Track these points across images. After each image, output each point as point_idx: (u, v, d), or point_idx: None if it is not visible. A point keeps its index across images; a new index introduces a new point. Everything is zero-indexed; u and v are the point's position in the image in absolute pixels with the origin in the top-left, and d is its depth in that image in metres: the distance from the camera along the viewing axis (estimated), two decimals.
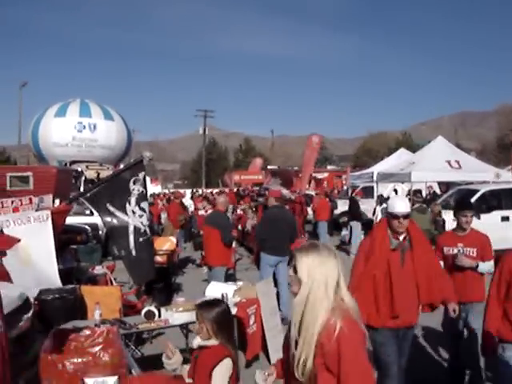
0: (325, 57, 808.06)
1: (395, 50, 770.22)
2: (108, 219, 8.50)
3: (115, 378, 3.77)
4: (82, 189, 24.31)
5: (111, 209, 8.36)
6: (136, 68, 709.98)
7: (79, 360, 4.32)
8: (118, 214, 8.38)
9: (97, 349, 4.49)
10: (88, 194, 8.88)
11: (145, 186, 8.88)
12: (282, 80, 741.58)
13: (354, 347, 2.89)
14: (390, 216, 5.38)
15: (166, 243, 13.64)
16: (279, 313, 8.74)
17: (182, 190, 44.65)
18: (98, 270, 10.07)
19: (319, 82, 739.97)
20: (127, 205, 8.44)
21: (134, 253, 8.73)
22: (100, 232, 18.05)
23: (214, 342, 3.87)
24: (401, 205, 5.35)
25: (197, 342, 3.97)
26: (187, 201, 28.39)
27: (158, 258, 12.80)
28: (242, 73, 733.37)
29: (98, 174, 26.33)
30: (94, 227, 17.66)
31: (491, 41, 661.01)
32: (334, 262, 3.08)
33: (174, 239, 14.49)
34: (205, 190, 42.83)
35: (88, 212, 18.12)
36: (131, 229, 8.46)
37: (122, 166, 32.32)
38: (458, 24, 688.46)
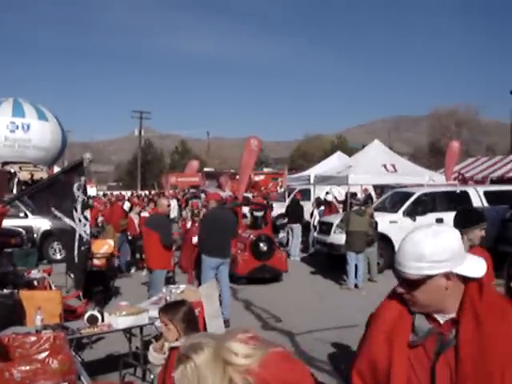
0: (261, 59, 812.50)
1: (331, 53, 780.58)
2: (54, 223, 8.33)
3: None
4: (15, 190, 23.71)
5: (58, 214, 8.18)
6: (71, 68, 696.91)
7: (27, 367, 4.20)
8: (65, 219, 8.21)
9: (44, 355, 4.38)
10: (27, 196, 8.68)
11: (86, 193, 8.75)
12: (217, 82, 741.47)
13: None
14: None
15: (103, 246, 13.46)
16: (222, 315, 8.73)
17: (116, 192, 44.24)
18: (35, 273, 9.83)
19: (255, 84, 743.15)
20: (74, 212, 8.29)
21: (76, 260, 8.61)
22: (35, 235, 17.64)
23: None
24: (406, 253, 2.28)
25: (166, 346, 3.92)
26: (125, 204, 27.94)
27: (96, 261, 12.63)
28: (177, 74, 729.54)
29: (32, 176, 25.74)
30: (29, 230, 17.23)
31: (425, 47, 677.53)
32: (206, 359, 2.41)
33: (111, 242, 14.30)
34: (146, 193, 42.34)
35: (22, 215, 17.68)
36: (77, 236, 8.31)
37: (55, 168, 31.79)
38: (392, 29, 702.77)
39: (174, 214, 24.25)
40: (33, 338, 4.52)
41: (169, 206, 11.45)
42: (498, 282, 13.11)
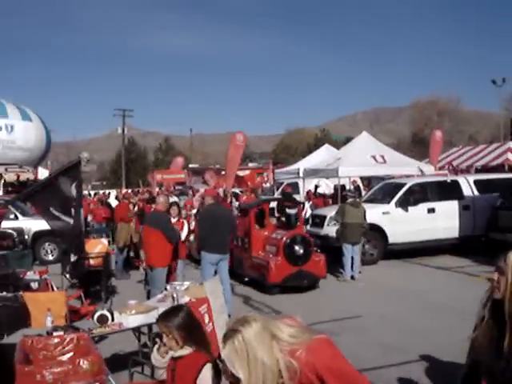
0: (241, 54, 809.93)
1: (310, 47, 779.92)
2: (54, 223, 8.34)
3: None
4: (0, 192, 23.53)
5: (55, 213, 8.17)
6: (51, 67, 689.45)
7: (58, 369, 4.17)
8: (64, 217, 8.21)
9: (69, 356, 4.36)
10: (23, 198, 8.68)
11: (81, 193, 8.78)
12: (197, 78, 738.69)
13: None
14: None
15: (97, 246, 13.41)
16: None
17: (102, 192, 44.04)
18: (31, 275, 9.76)
19: (235, 79, 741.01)
20: (72, 210, 8.29)
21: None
22: (26, 237, 17.52)
23: (188, 350, 3.75)
24: None
25: (170, 354, 3.82)
26: (113, 201, 27.82)
27: (91, 261, 12.57)
28: (157, 72, 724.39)
29: (18, 177, 25.55)
30: (20, 232, 17.10)
31: (403, 40, 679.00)
32: (259, 332, 2.46)
33: (105, 241, 14.27)
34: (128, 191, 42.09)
35: (12, 216, 17.56)
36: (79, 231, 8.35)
37: (40, 168, 31.57)
38: (370, 20, 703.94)
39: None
40: (56, 340, 4.50)
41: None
42: (489, 270, 13.26)
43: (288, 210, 13.74)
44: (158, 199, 10.48)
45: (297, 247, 12.21)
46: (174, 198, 22.69)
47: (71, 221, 8.29)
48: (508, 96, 66.74)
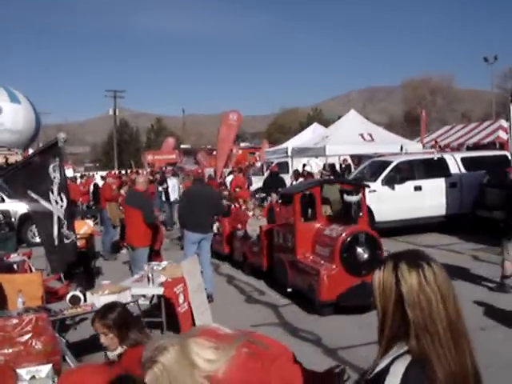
0: (235, 34, 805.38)
1: (304, 26, 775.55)
2: (31, 205, 8.27)
3: (49, 366, 3.62)
4: None
5: (34, 196, 8.09)
6: (42, 49, 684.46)
7: (10, 350, 4.13)
8: (42, 201, 8.13)
9: (27, 337, 4.31)
10: (2, 180, 8.59)
11: (63, 173, 8.65)
12: (190, 58, 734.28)
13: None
14: None
15: (82, 227, 13.38)
16: (205, 290, 8.71)
17: (93, 173, 43.96)
18: (14, 257, 9.73)
19: (229, 59, 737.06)
20: (50, 194, 8.20)
21: (56, 242, 8.52)
22: (12, 219, 17.46)
23: (126, 347, 3.70)
24: None
25: (115, 352, 3.74)
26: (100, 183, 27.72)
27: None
28: (149, 52, 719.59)
29: (7, 159, 25.39)
30: (6, 214, 17.07)
31: (397, 18, 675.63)
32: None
33: (91, 222, 14.26)
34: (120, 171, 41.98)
35: None
36: (55, 218, 8.23)
37: (30, 151, 31.41)
38: (366, 2, 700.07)
39: (174, 195, 21.38)
40: (15, 321, 4.45)
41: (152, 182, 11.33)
42: (475, 247, 13.25)
43: (347, 197, 9.59)
44: (138, 179, 10.46)
45: (360, 250, 8.76)
46: (172, 180, 22.53)
47: (49, 205, 8.21)
48: (500, 73, 66.57)
